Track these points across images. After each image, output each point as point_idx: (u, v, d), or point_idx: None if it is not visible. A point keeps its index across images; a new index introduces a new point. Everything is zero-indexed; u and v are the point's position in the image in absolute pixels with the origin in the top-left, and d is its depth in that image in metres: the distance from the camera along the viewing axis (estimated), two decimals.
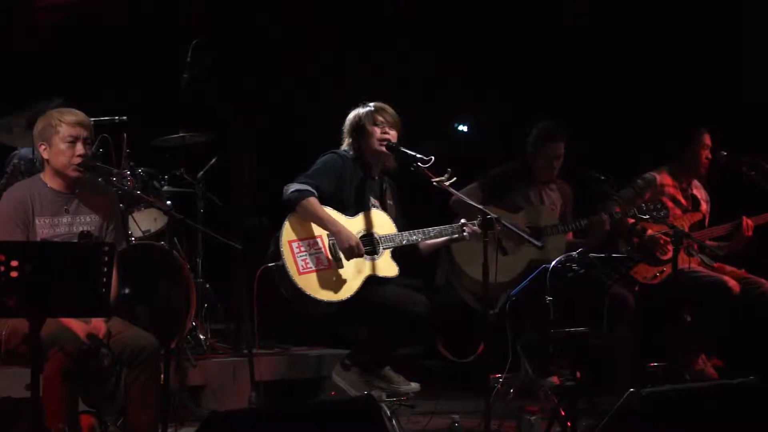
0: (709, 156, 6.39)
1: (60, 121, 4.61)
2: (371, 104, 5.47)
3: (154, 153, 6.39)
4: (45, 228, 4.59)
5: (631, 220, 6.12)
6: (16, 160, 5.81)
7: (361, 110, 5.48)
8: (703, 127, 6.40)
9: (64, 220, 4.63)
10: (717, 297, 6.10)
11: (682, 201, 6.43)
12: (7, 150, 6.17)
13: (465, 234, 5.34)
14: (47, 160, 4.66)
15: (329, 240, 5.24)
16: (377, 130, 5.39)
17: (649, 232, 6.21)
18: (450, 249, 5.92)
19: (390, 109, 5.47)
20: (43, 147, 4.65)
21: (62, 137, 4.59)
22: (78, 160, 4.60)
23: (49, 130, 4.62)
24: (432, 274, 6.22)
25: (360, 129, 5.42)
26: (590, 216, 6.04)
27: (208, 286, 6.42)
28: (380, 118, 5.41)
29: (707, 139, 6.37)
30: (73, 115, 4.64)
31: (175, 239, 6.11)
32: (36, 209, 4.59)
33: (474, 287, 5.90)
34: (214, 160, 6.47)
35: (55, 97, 5.73)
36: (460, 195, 5.24)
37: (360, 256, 5.21)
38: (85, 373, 4.35)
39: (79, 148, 4.60)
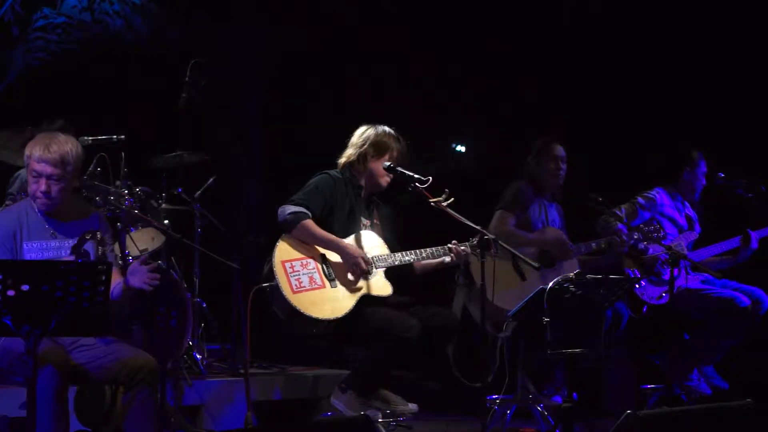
0: (706, 177, 6.40)
1: (30, 153, 4.48)
2: (393, 130, 5.42)
3: (152, 172, 6.39)
4: (33, 252, 4.52)
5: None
6: (17, 186, 5.78)
7: (387, 129, 5.42)
8: (697, 148, 6.40)
9: (53, 244, 4.57)
10: (730, 314, 6.05)
11: (679, 221, 6.43)
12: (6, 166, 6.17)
13: (448, 259, 5.27)
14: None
15: (322, 261, 5.20)
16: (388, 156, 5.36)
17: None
18: (471, 273, 5.74)
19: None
20: (26, 171, 4.59)
21: (30, 170, 4.51)
22: (40, 196, 4.46)
23: (25, 158, 4.54)
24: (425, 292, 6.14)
25: (380, 148, 5.37)
26: (607, 237, 6.01)
27: (205, 305, 6.40)
28: (398, 147, 5.37)
29: (703, 162, 6.38)
30: (43, 150, 4.43)
31: (173, 258, 6.11)
32: (24, 234, 4.53)
33: (494, 314, 5.61)
34: (211, 180, 6.47)
35: (57, 118, 5.74)
36: (458, 216, 5.21)
37: (367, 272, 5.16)
38: (79, 391, 4.33)
39: (42, 185, 4.45)
